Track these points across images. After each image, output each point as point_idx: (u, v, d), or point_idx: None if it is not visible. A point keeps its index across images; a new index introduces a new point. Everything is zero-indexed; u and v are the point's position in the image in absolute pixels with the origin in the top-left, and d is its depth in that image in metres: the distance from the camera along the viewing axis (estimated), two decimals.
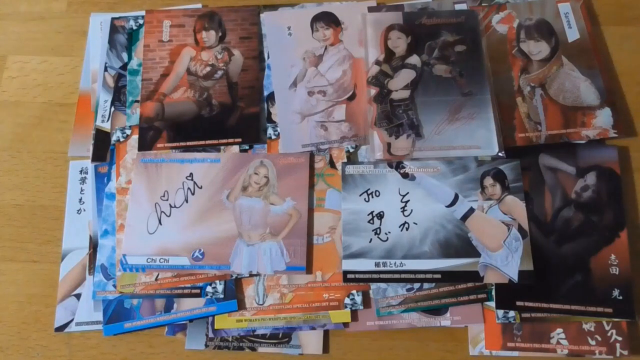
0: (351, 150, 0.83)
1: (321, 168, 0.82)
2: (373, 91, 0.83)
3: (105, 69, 0.89)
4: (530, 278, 0.74)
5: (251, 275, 0.77)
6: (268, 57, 0.88)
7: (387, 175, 0.80)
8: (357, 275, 0.75)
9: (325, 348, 0.76)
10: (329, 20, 0.90)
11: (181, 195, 0.80)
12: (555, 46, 0.87)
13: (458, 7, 0.91)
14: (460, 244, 0.76)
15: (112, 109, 0.86)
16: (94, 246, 0.79)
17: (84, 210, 0.82)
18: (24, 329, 0.78)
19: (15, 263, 0.81)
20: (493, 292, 0.75)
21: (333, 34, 0.89)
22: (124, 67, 0.89)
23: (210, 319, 0.76)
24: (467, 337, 0.75)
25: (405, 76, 0.84)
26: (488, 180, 0.78)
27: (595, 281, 0.75)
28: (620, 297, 0.74)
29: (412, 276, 0.75)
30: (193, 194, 0.80)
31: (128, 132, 0.85)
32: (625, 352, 0.73)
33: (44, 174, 0.86)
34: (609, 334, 0.73)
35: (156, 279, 0.77)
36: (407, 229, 0.77)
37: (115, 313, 0.76)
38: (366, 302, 0.76)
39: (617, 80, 0.88)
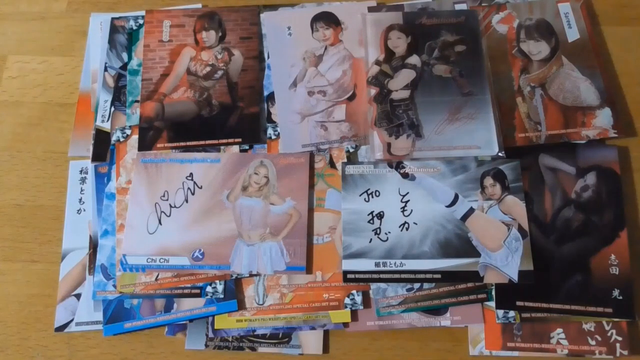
0: (351, 150, 0.83)
1: (321, 168, 0.82)
2: (373, 91, 0.83)
3: (105, 69, 0.89)
4: (530, 278, 0.74)
5: (251, 275, 0.77)
6: (268, 57, 0.88)
7: (387, 175, 0.80)
8: (357, 275, 0.75)
9: (325, 348, 0.76)
10: (329, 20, 0.90)
11: (181, 195, 0.80)
12: (555, 46, 0.87)
13: (458, 7, 0.91)
14: (460, 244, 0.76)
15: (112, 109, 0.86)
16: (94, 246, 0.79)
17: (84, 210, 0.82)
18: (24, 329, 0.78)
19: (15, 263, 0.81)
20: (493, 292, 0.75)
21: (333, 34, 0.89)
22: (124, 67, 0.89)
23: (210, 319, 0.76)
24: (467, 337, 0.75)
25: (405, 76, 0.84)
26: (488, 180, 0.78)
27: (595, 281, 0.75)
28: (620, 297, 0.74)
29: (412, 276, 0.75)
30: (193, 194, 0.80)
31: (128, 132, 0.85)
32: (625, 352, 0.73)
33: (44, 174, 0.86)
34: (609, 334, 0.73)
35: (156, 279, 0.77)
36: (407, 229, 0.77)
37: (115, 313, 0.76)
38: (366, 302, 0.76)
39: (617, 80, 0.88)
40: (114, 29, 0.91)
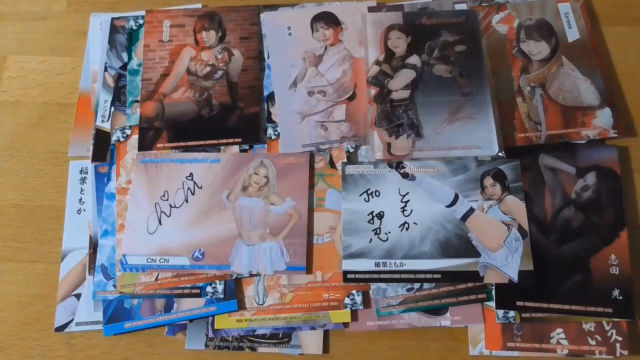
0: (351, 150, 0.83)
1: (321, 168, 0.82)
2: (373, 91, 0.83)
3: (105, 69, 0.89)
4: (530, 278, 0.74)
5: (251, 275, 0.77)
6: (268, 57, 0.88)
7: (387, 175, 0.80)
8: (357, 275, 0.75)
9: (325, 348, 0.76)
10: (329, 20, 0.90)
11: (181, 195, 0.80)
12: (555, 46, 0.87)
13: (458, 7, 0.91)
14: (460, 244, 0.76)
15: (112, 109, 0.86)
16: (94, 246, 0.79)
17: (84, 210, 0.82)
18: (24, 329, 0.78)
19: (15, 263, 0.81)
20: (493, 292, 0.75)
21: (333, 34, 0.89)
22: (124, 67, 0.89)
23: (210, 319, 0.76)
24: (467, 337, 0.75)
25: (405, 76, 0.84)
26: (488, 180, 0.78)
27: (595, 281, 0.75)
28: (620, 297, 0.74)
29: (412, 276, 0.75)
30: (193, 194, 0.80)
31: (128, 132, 0.85)
32: (625, 352, 0.73)
33: (44, 174, 0.86)
34: (609, 334, 0.73)
35: (156, 279, 0.77)
36: (407, 229, 0.77)
37: (115, 313, 0.76)
38: (366, 302, 0.76)
39: (617, 80, 0.88)
40: (114, 29, 0.91)
